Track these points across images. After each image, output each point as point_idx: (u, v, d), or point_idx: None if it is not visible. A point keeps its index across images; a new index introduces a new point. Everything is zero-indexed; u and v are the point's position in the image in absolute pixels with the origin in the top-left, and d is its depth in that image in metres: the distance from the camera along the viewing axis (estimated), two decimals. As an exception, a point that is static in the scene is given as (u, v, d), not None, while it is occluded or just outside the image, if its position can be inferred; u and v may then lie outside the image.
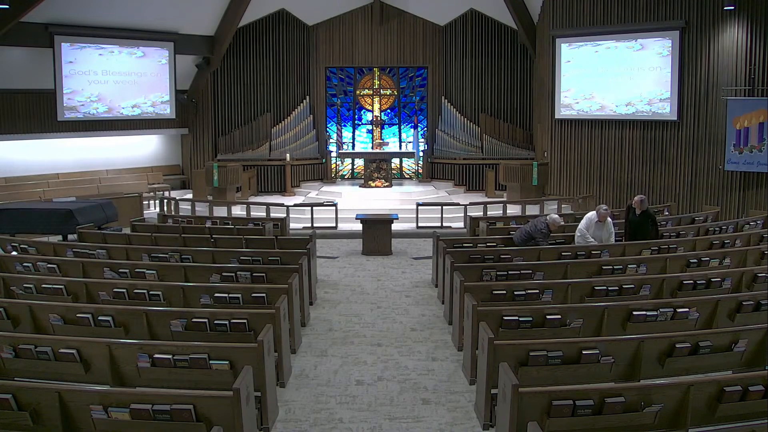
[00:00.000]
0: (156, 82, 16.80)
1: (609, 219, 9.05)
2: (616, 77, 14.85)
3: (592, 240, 8.86)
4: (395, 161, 18.92)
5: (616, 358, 5.13)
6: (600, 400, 4.24)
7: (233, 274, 7.49)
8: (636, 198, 9.14)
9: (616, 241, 9.37)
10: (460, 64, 18.33)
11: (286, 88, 18.46)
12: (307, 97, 18.60)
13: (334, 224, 14.16)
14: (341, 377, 6.36)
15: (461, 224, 13.73)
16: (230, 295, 6.59)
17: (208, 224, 11.19)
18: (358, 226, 12.65)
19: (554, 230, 8.78)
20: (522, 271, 7.57)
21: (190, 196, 16.65)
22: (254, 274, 7.49)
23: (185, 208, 14.81)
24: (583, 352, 5.07)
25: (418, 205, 14.33)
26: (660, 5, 13.89)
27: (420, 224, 14.11)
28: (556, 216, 8.97)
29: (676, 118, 13.93)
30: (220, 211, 14.45)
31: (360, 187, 17.33)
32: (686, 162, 13.89)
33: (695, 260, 8.01)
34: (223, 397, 4.25)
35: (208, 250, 8.81)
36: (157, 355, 5.05)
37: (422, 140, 18.86)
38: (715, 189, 13.42)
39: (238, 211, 14.79)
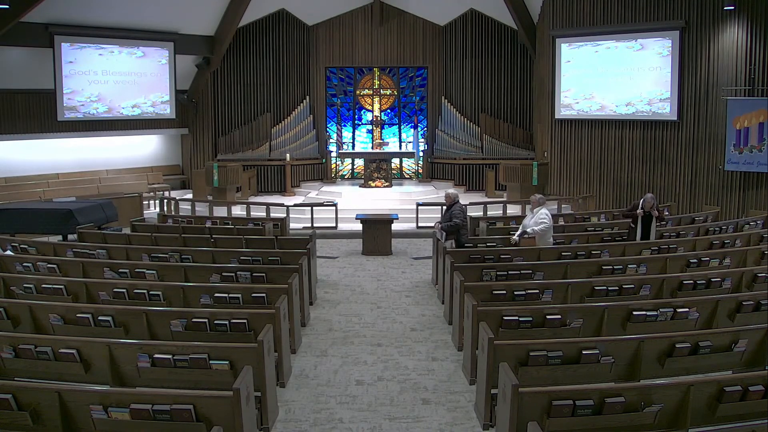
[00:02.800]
0: (156, 82, 16.79)
1: (542, 209, 8.82)
2: (616, 77, 14.85)
3: (525, 226, 8.99)
4: (395, 161, 18.92)
5: (616, 358, 5.13)
6: (600, 400, 4.24)
7: (233, 274, 7.49)
8: (649, 196, 9.15)
9: (621, 240, 9.34)
10: (460, 64, 18.32)
11: (286, 88, 18.46)
12: (307, 97, 18.60)
13: (334, 224, 14.16)
14: (341, 377, 6.36)
15: (461, 224, 13.70)
16: (230, 295, 6.59)
17: (208, 224, 11.19)
18: (358, 226, 12.65)
19: (449, 203, 9.05)
20: (522, 271, 7.57)
21: (190, 196, 16.65)
22: (254, 274, 7.49)
23: (185, 208, 14.80)
24: (583, 352, 5.07)
25: (418, 205, 14.32)
26: (660, 5, 13.89)
27: (420, 224, 14.10)
28: (450, 190, 9.35)
29: (676, 118, 13.93)
30: (220, 211, 14.44)
31: (360, 187, 17.32)
32: (686, 162, 13.89)
33: (695, 260, 8.01)
34: (223, 397, 4.25)
35: (208, 250, 8.81)
36: (157, 355, 5.05)
37: (422, 140, 18.85)
38: (715, 189, 13.42)
39: (238, 211, 14.78)
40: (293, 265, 7.92)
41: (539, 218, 8.77)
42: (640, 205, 9.20)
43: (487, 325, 5.49)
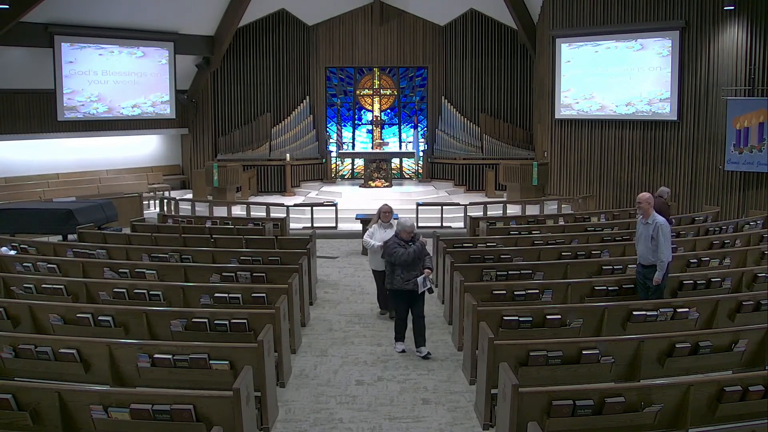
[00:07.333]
0: (156, 82, 16.79)
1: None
2: (616, 77, 14.84)
3: (375, 243, 7.80)
4: (395, 161, 18.90)
5: (616, 358, 5.13)
6: (600, 400, 4.24)
7: (233, 274, 7.49)
8: (665, 190, 9.01)
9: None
10: (460, 64, 18.32)
11: (286, 88, 18.45)
12: (307, 97, 18.60)
13: (334, 224, 14.16)
14: (341, 377, 6.36)
15: (461, 224, 13.72)
16: (230, 295, 6.59)
17: (208, 224, 11.19)
18: (358, 226, 12.65)
19: (406, 237, 6.91)
20: (522, 271, 7.58)
21: (190, 196, 16.64)
22: (254, 274, 7.49)
23: (185, 208, 14.80)
24: (583, 352, 5.07)
25: (418, 205, 14.32)
26: (660, 5, 13.89)
27: (420, 224, 14.07)
28: (406, 219, 7.23)
29: (676, 118, 13.93)
30: (220, 211, 14.44)
31: (360, 187, 17.32)
32: (686, 162, 13.88)
33: (695, 260, 8.01)
34: (223, 397, 4.25)
35: (208, 250, 8.81)
36: (157, 355, 5.05)
37: (422, 140, 18.85)
38: (715, 189, 13.42)
39: (238, 211, 14.78)
40: (293, 265, 7.92)
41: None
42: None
43: (487, 325, 5.49)
